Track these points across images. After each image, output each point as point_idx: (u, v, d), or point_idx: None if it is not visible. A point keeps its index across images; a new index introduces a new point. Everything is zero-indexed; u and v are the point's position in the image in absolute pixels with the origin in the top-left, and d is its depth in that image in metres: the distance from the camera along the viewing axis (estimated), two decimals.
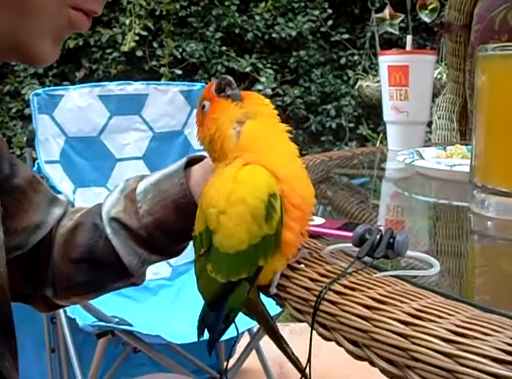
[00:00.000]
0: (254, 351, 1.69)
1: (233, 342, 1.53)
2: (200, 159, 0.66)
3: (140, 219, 0.64)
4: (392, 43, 4.21)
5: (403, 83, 1.18)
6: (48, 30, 0.47)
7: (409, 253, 0.46)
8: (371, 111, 4.34)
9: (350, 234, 0.49)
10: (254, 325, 1.51)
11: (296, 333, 2.16)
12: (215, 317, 0.50)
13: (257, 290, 0.51)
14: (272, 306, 0.54)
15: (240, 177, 0.46)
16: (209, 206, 0.47)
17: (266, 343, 1.82)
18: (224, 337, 0.53)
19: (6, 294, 0.57)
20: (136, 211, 0.64)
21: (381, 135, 4.02)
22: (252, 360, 1.73)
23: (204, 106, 0.53)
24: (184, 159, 0.65)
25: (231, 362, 1.64)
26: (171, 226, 0.64)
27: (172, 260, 1.77)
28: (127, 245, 0.65)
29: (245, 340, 1.64)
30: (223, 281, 0.47)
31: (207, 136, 0.52)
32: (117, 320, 1.34)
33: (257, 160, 0.47)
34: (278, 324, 0.59)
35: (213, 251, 0.47)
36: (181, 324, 1.50)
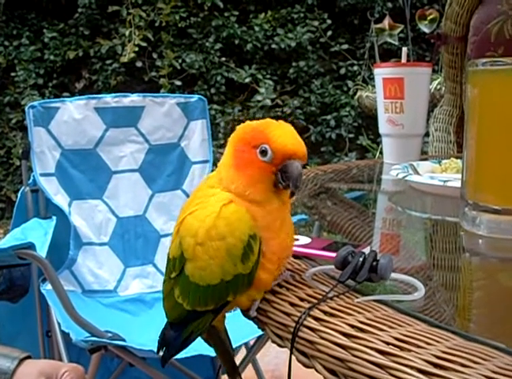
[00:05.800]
0: (250, 365, 1.67)
1: None
2: None
3: None
4: (391, 54, 4.20)
5: (398, 95, 1.17)
6: None
7: (393, 275, 0.45)
8: (371, 122, 4.33)
9: (333, 254, 0.48)
10: (251, 339, 1.49)
11: None
12: (174, 336, 0.51)
13: (223, 319, 0.52)
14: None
15: (224, 213, 0.45)
16: (188, 235, 0.46)
17: (263, 357, 1.80)
18: None
19: None
20: None
21: (380, 146, 4.01)
22: (248, 373, 1.71)
23: (265, 152, 0.46)
24: None
25: None
26: None
27: None
28: None
29: (241, 354, 1.62)
30: (188, 308, 0.47)
31: (242, 176, 0.46)
32: (110, 335, 1.31)
33: (242, 204, 0.46)
34: None
35: (183, 278, 0.47)
36: None
